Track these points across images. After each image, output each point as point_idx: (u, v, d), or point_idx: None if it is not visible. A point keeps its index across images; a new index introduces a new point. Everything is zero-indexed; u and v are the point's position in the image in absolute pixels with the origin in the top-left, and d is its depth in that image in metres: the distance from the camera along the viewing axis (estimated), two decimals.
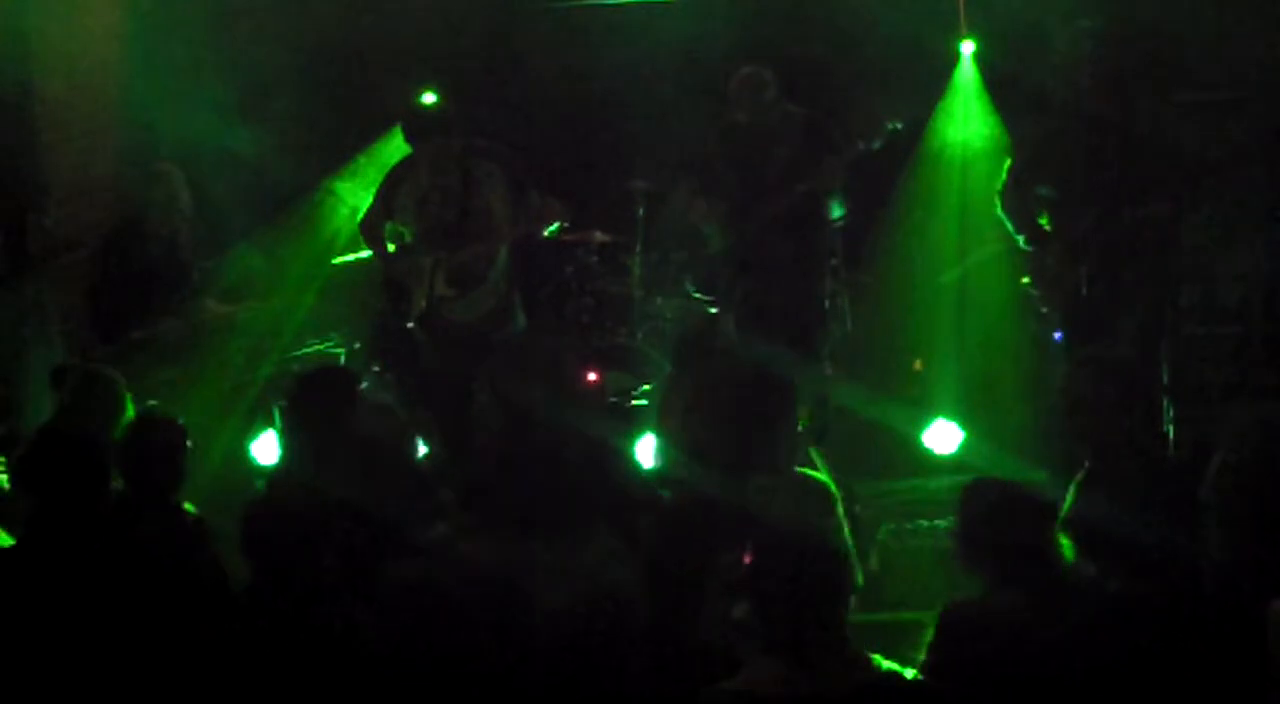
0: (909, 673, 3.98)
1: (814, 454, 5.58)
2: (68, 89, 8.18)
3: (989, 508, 4.34)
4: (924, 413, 7.76)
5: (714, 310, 8.00)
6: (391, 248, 7.73)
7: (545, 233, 7.76)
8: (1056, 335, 7.38)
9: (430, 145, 7.62)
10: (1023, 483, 4.54)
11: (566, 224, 7.86)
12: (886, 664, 3.94)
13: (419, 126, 7.69)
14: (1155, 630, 4.19)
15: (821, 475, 5.28)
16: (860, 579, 4.88)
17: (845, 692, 3.83)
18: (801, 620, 3.86)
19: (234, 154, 8.47)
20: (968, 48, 8.39)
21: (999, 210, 7.28)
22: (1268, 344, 7.85)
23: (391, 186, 7.73)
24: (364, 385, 8.38)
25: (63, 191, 8.09)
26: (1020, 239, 7.23)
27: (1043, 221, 7.19)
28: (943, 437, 7.58)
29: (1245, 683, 3.99)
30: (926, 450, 7.64)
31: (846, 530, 5.15)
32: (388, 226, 7.75)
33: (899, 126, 7.62)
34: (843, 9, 8.68)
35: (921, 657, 4.23)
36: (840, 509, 5.18)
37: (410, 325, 7.58)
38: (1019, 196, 7.19)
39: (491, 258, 7.56)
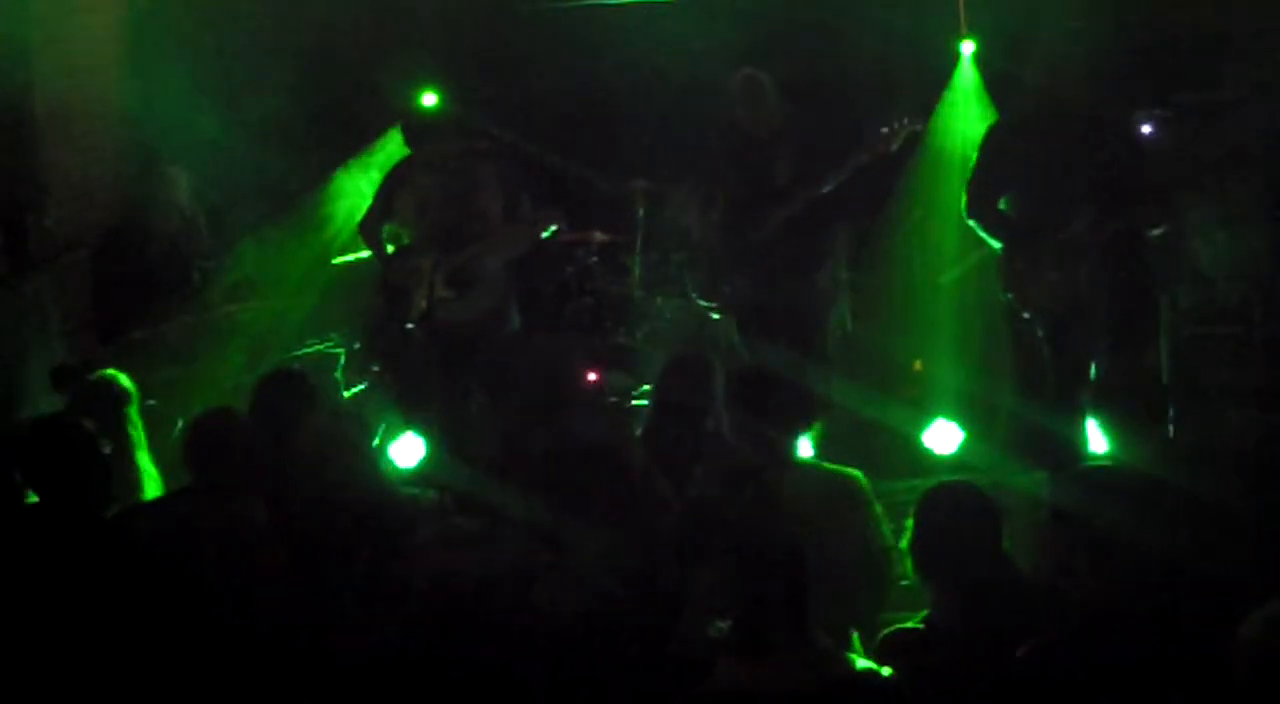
0: (885, 671, 3.99)
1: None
2: (68, 89, 8.17)
3: (940, 514, 4.36)
4: (924, 413, 7.76)
5: (716, 316, 8.00)
6: (390, 249, 7.74)
7: (542, 236, 7.80)
8: None
9: (430, 147, 7.64)
10: (974, 488, 4.56)
11: (563, 227, 7.90)
12: (862, 662, 3.94)
13: (419, 129, 7.71)
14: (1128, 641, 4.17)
15: (853, 471, 5.32)
16: (909, 572, 4.92)
17: (816, 690, 3.83)
18: (769, 618, 3.87)
19: (233, 153, 8.46)
20: (968, 48, 8.39)
21: (967, 219, 7.21)
22: (1268, 344, 7.85)
23: (391, 188, 7.75)
24: (363, 386, 8.48)
25: (63, 191, 8.09)
26: (998, 243, 7.16)
27: (1018, 222, 7.14)
28: (943, 437, 7.58)
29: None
30: (926, 450, 7.64)
31: (885, 527, 5.18)
32: (386, 228, 7.76)
33: (918, 128, 7.62)
34: (842, 9, 8.67)
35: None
36: (876, 506, 5.22)
37: (410, 326, 7.59)
38: (987, 200, 7.12)
39: (490, 260, 7.57)
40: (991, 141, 7.23)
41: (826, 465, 5.35)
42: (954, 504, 4.39)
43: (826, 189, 7.48)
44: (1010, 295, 7.16)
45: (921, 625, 4.27)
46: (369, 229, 7.84)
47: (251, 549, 5.00)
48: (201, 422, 5.50)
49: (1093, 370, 6.95)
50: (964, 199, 7.19)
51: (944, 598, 4.28)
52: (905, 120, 7.50)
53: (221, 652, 4.48)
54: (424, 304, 7.50)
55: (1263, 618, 3.61)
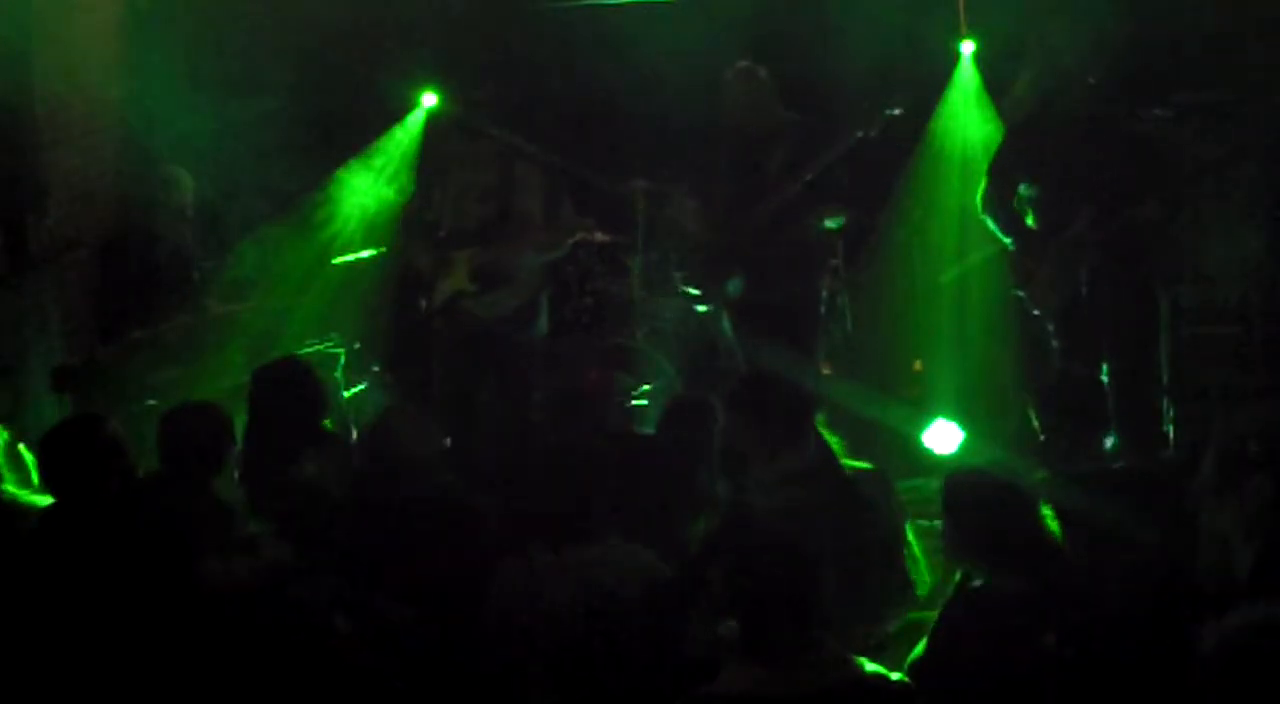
0: (895, 676, 3.99)
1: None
2: (68, 89, 8.17)
3: (977, 500, 4.38)
4: (924, 413, 7.76)
5: (703, 308, 8.01)
6: (423, 240, 7.76)
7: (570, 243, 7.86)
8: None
9: (475, 142, 7.68)
10: (1004, 472, 4.59)
11: (594, 235, 7.97)
12: (871, 666, 3.94)
13: (471, 122, 7.75)
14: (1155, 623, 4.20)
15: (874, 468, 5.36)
16: (926, 580, 4.94)
17: (821, 692, 3.83)
18: (774, 621, 3.87)
19: (233, 153, 8.46)
20: (968, 48, 8.39)
21: (980, 214, 7.26)
22: (1268, 344, 7.86)
23: (432, 179, 7.78)
24: (362, 386, 8.48)
25: (63, 191, 8.08)
26: (1008, 241, 7.22)
27: (1029, 221, 7.18)
28: (943, 437, 7.58)
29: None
30: (926, 450, 7.64)
31: (911, 534, 5.19)
32: (426, 216, 7.79)
33: (896, 112, 7.61)
34: (842, 9, 8.67)
35: (921, 647, 4.25)
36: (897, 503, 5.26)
37: (427, 316, 7.62)
38: (1001, 196, 7.18)
39: (522, 259, 7.59)
40: (1005, 141, 7.33)
41: (851, 462, 5.36)
42: (980, 488, 4.41)
43: (812, 176, 7.47)
44: (1022, 293, 7.21)
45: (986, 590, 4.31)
46: (409, 218, 7.87)
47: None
48: (172, 416, 5.53)
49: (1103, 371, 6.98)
50: (979, 195, 7.22)
51: (994, 573, 4.31)
52: (885, 105, 7.52)
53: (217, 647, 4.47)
54: (446, 296, 7.53)
55: (1232, 626, 3.65)
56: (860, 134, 7.51)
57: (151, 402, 7.21)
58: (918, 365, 8.60)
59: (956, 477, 4.57)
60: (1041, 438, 5.52)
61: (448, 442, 5.75)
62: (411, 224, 7.83)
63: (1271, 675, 3.45)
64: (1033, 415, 5.65)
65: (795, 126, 7.61)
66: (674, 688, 4.05)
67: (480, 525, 5.02)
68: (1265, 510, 4.49)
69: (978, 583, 4.36)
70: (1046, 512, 4.39)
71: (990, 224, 7.25)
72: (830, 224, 7.68)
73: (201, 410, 5.60)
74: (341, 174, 8.93)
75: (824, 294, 7.81)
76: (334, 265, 8.69)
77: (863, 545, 4.98)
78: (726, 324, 7.97)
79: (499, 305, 7.58)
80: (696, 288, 7.92)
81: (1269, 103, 8.04)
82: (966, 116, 8.41)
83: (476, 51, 9.18)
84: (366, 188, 8.70)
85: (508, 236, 7.59)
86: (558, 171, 7.83)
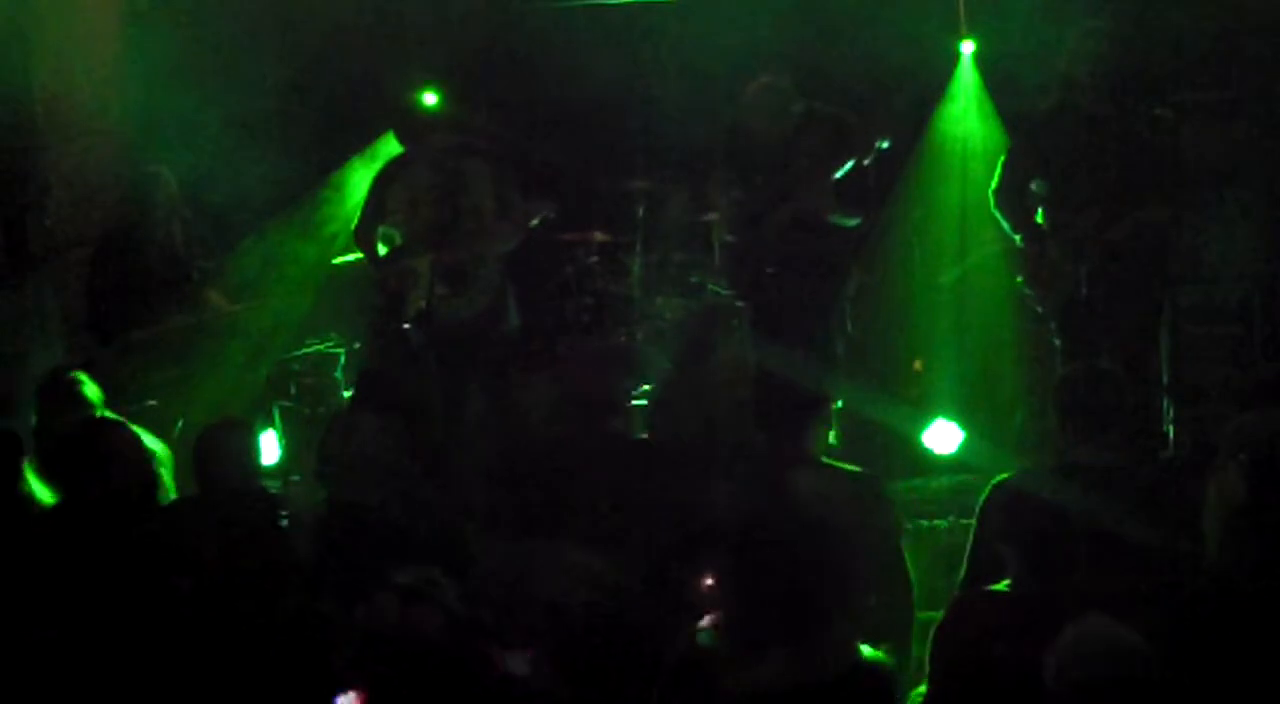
0: (893, 663, 4.01)
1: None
2: (68, 89, 8.17)
3: (1009, 513, 4.41)
4: (924, 413, 7.77)
5: (739, 302, 8.03)
6: (384, 249, 7.75)
7: (530, 225, 7.83)
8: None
9: (421, 145, 7.67)
10: (1039, 487, 4.61)
11: (551, 215, 7.93)
12: (870, 652, 3.95)
13: (410, 127, 7.73)
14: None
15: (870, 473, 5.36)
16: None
17: (818, 686, 3.83)
18: (770, 615, 3.88)
19: (233, 153, 8.46)
20: (968, 48, 8.40)
21: (993, 208, 7.29)
22: (1268, 344, 7.86)
23: (383, 188, 7.77)
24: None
25: (63, 191, 8.08)
26: (1017, 237, 7.24)
27: (1038, 219, 7.20)
28: (943, 437, 7.59)
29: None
30: (926, 450, 7.64)
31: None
32: (380, 229, 7.78)
33: (885, 145, 7.66)
34: (842, 9, 8.68)
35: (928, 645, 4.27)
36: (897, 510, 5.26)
37: (406, 326, 7.60)
38: (1013, 192, 7.20)
39: (484, 256, 7.59)
40: (1020, 136, 7.37)
41: (850, 467, 5.36)
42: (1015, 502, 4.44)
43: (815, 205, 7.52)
44: (1029, 291, 7.23)
45: (1002, 591, 4.33)
46: (363, 232, 7.85)
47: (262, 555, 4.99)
48: (206, 434, 5.53)
49: None
50: (991, 189, 7.25)
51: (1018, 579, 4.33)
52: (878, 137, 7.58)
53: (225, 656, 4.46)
54: (422, 304, 7.51)
55: (1072, 639, 3.68)
56: (881, 145, 7.55)
57: (151, 402, 7.22)
58: (918, 365, 8.60)
59: (996, 489, 4.62)
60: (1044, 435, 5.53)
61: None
62: (370, 243, 7.82)
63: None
64: (1034, 413, 5.66)
65: (825, 126, 7.62)
66: (673, 684, 4.05)
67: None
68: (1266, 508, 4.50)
69: (990, 586, 4.36)
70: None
71: (1001, 218, 7.26)
72: (848, 222, 7.69)
73: (233, 426, 5.63)
74: (341, 174, 8.94)
75: (846, 296, 7.83)
76: (334, 265, 8.69)
77: (861, 544, 4.98)
78: (738, 323, 7.98)
79: (472, 305, 7.58)
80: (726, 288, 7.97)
81: (1269, 103, 8.05)
82: (966, 116, 8.42)
83: (476, 51, 9.19)
84: (367, 187, 8.69)
85: (464, 236, 7.57)
86: (504, 162, 7.81)
